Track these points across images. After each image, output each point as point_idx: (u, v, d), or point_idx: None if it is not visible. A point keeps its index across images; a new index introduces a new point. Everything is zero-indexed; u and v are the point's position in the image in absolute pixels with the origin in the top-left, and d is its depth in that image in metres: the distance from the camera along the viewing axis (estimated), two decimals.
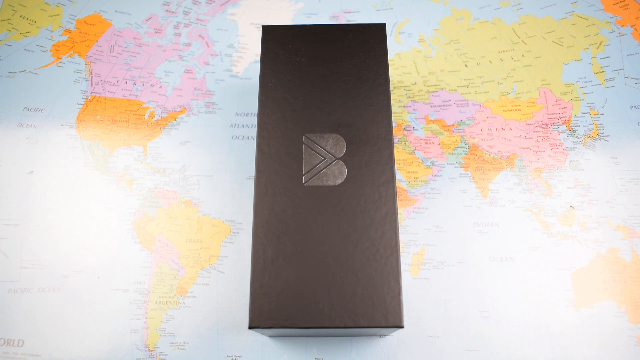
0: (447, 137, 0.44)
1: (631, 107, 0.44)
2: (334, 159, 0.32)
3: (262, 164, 0.32)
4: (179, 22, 0.49)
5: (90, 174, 0.43)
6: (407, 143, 0.44)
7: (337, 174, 0.32)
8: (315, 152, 0.33)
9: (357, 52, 0.35)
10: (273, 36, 0.36)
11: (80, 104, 0.45)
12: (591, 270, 0.39)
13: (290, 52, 0.36)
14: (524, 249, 0.40)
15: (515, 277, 0.39)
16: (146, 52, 0.48)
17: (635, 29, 0.48)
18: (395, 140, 0.44)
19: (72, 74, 0.47)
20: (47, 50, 0.48)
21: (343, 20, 0.49)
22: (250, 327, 0.29)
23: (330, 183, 0.32)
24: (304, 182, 0.32)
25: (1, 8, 0.50)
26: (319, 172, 0.32)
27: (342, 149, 0.33)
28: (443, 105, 0.45)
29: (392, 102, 0.45)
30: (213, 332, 0.38)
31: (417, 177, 0.42)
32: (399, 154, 0.43)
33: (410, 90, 0.46)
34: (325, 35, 0.36)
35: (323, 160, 0.32)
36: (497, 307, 0.38)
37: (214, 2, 0.51)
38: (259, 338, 0.38)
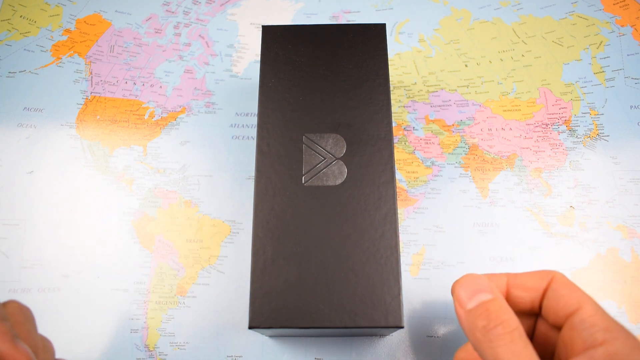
0: (447, 137, 0.44)
1: (631, 107, 0.44)
2: (334, 159, 0.32)
3: (262, 164, 0.32)
4: (179, 22, 0.49)
5: (90, 174, 0.43)
6: (407, 143, 0.44)
7: (337, 174, 0.32)
8: (315, 152, 0.33)
9: (357, 52, 0.35)
10: (273, 36, 0.36)
11: (80, 104, 0.45)
12: (591, 270, 0.39)
13: (290, 52, 0.36)
14: (524, 249, 0.40)
15: None
16: (146, 52, 0.48)
17: (635, 29, 0.48)
18: (395, 140, 0.44)
19: (72, 74, 0.47)
20: (47, 50, 0.48)
21: (343, 20, 0.49)
22: (250, 327, 0.29)
23: (330, 183, 0.32)
24: (304, 182, 0.32)
25: (1, 8, 0.50)
26: (319, 172, 0.32)
27: (342, 149, 0.33)
28: (443, 105, 0.45)
29: (392, 102, 0.45)
30: (213, 332, 0.38)
31: (417, 177, 0.42)
32: (399, 154, 0.43)
33: (410, 90, 0.46)
34: (325, 35, 0.36)
35: (323, 160, 0.32)
36: None
37: (214, 2, 0.51)
38: (259, 338, 0.38)
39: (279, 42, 0.36)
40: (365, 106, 0.34)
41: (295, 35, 0.36)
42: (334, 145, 0.33)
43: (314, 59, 0.35)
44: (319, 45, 0.36)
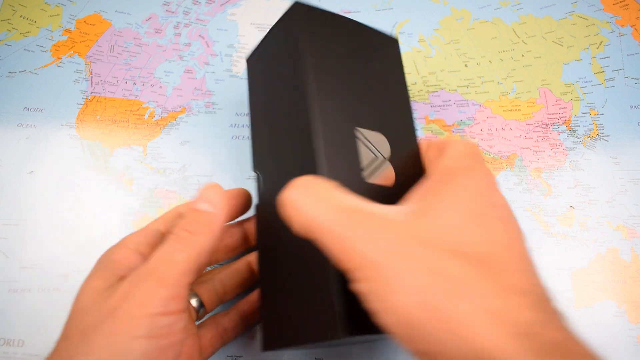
0: (447, 137, 0.44)
1: (631, 107, 0.44)
2: None
3: None
4: (179, 22, 0.49)
5: (90, 174, 0.43)
6: None
7: None
8: None
9: (373, 58, 0.35)
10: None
11: (80, 104, 0.45)
12: (591, 270, 0.39)
13: None
14: None
15: None
16: (146, 52, 0.48)
17: (635, 29, 0.48)
18: None
19: (72, 74, 0.47)
20: (47, 50, 0.48)
21: None
22: (264, 350, 0.29)
23: None
24: None
25: (1, 8, 0.50)
26: None
27: None
28: (443, 105, 0.45)
29: None
30: None
31: None
32: None
33: (410, 90, 0.46)
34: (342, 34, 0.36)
35: None
36: None
37: (214, 2, 0.51)
38: (259, 338, 0.38)
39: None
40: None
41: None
42: None
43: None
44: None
